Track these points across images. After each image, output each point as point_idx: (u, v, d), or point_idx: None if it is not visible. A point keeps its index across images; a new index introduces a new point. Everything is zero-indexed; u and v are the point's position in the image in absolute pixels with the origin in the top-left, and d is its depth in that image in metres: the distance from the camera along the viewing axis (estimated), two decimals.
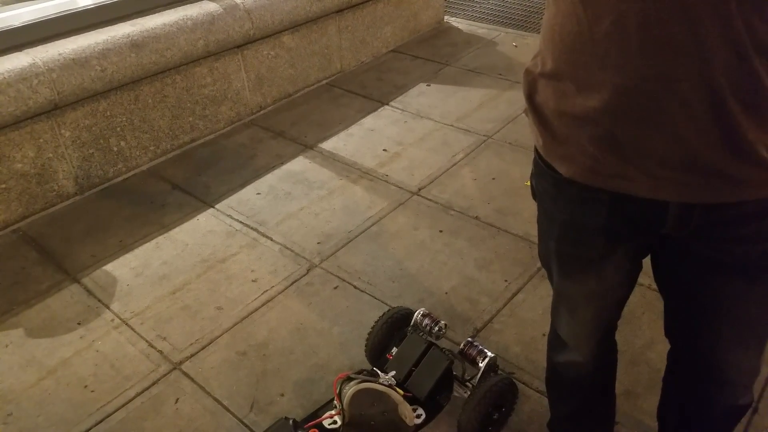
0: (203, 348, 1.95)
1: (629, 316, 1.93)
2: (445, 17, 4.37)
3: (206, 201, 2.63)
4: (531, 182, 1.13)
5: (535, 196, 1.13)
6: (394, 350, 1.69)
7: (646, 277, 1.12)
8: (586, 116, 0.89)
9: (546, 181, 1.04)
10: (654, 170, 0.87)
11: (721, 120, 0.80)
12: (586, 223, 1.02)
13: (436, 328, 1.69)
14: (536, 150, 1.05)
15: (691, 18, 0.75)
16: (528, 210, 2.48)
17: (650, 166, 0.87)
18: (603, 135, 0.88)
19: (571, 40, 0.88)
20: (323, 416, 1.54)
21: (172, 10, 2.84)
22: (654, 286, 1.15)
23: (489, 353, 1.62)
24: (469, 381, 1.64)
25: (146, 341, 1.98)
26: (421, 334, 1.70)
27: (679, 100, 0.81)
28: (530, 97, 1.01)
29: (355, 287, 2.16)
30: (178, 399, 1.80)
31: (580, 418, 1.43)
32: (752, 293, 0.97)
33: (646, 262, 1.12)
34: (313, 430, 1.50)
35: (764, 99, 0.79)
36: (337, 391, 1.51)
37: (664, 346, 1.22)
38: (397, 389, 1.54)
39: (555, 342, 1.30)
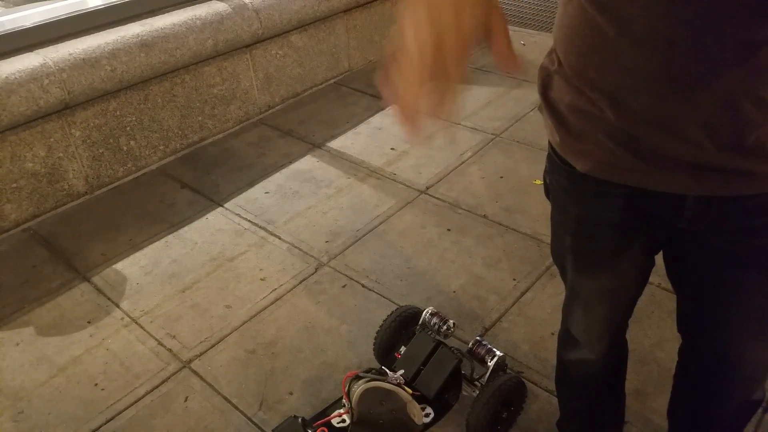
0: (212, 346, 1.96)
1: (638, 315, 1.92)
2: None
3: (215, 200, 2.64)
4: (545, 179, 1.12)
5: (548, 193, 1.13)
6: (403, 349, 1.69)
7: (656, 275, 1.11)
8: (600, 114, 0.89)
9: (561, 177, 1.04)
10: (670, 167, 0.87)
11: (733, 120, 0.80)
12: (602, 218, 1.01)
13: (445, 327, 1.69)
14: (551, 146, 1.04)
15: (699, 19, 0.75)
16: (536, 208, 2.47)
17: (666, 163, 0.87)
18: (618, 132, 0.88)
19: (581, 41, 0.88)
20: (332, 415, 1.54)
21: (181, 10, 2.85)
22: (663, 284, 1.15)
23: (498, 352, 1.62)
24: (477, 380, 1.64)
25: (156, 339, 1.99)
26: (429, 332, 1.70)
27: (689, 104, 0.80)
28: (545, 93, 1.00)
29: (363, 286, 2.16)
30: (187, 397, 1.80)
31: (590, 416, 1.42)
32: (767, 286, 0.96)
33: (657, 259, 1.12)
34: (321, 428, 1.50)
35: None
36: (346, 389, 1.51)
37: (673, 344, 1.21)
38: (406, 388, 1.54)
39: (566, 339, 1.29)
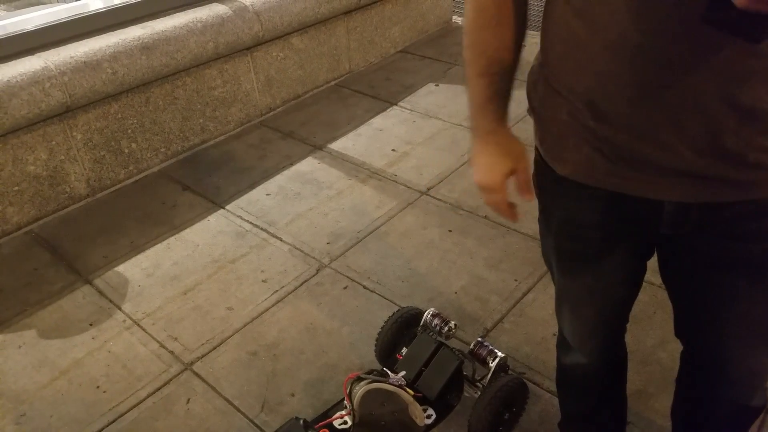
0: (214, 348, 1.96)
1: (640, 315, 1.92)
2: (453, 17, 4.37)
3: (216, 202, 2.64)
4: (533, 180, 1.14)
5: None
6: (404, 350, 1.69)
7: (658, 276, 1.11)
8: (578, 118, 0.89)
9: (545, 178, 1.05)
10: (647, 172, 0.87)
11: (707, 126, 0.79)
12: (583, 220, 1.02)
13: (446, 328, 1.69)
14: (536, 148, 1.06)
15: (665, 25, 0.75)
16: (537, 209, 2.46)
17: (643, 169, 0.87)
18: (595, 137, 0.88)
19: (559, 45, 0.89)
20: (334, 416, 1.54)
21: (182, 12, 2.86)
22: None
23: (499, 353, 1.62)
24: (479, 381, 1.64)
25: (157, 342, 1.99)
26: (430, 334, 1.70)
27: (661, 108, 0.80)
28: (530, 96, 1.02)
29: (364, 287, 2.16)
30: (189, 399, 1.80)
31: (591, 418, 1.42)
32: (756, 291, 0.96)
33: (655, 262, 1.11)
34: (323, 430, 1.50)
35: (756, 100, 0.77)
36: (348, 391, 1.51)
37: (675, 345, 1.21)
38: (407, 389, 1.54)
39: (561, 342, 1.30)
